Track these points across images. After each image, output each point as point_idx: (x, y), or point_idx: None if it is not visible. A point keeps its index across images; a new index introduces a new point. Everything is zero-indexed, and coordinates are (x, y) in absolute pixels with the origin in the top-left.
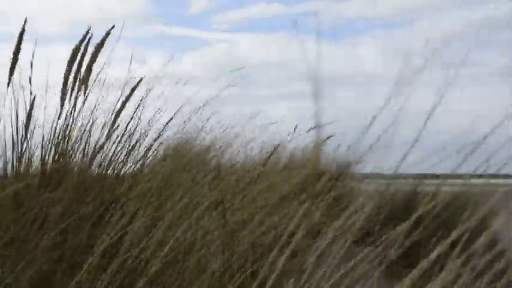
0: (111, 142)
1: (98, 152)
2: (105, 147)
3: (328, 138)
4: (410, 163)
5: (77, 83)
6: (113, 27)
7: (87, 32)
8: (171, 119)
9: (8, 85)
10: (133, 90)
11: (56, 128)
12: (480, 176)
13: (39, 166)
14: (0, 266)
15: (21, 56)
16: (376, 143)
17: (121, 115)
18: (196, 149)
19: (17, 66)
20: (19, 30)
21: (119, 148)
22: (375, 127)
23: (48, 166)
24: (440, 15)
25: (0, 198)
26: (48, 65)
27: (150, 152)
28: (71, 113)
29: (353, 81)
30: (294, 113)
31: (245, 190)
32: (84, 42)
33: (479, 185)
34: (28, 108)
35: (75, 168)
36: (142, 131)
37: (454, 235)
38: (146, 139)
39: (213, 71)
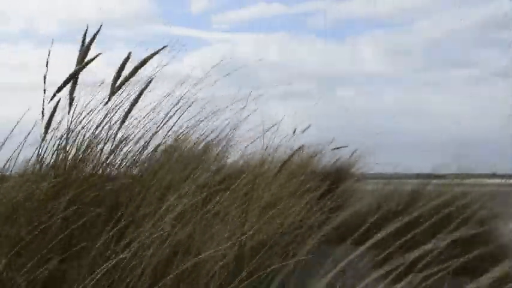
0: (120, 144)
1: (110, 154)
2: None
3: (330, 142)
4: (411, 163)
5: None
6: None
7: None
8: (170, 118)
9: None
10: (142, 91)
11: (68, 130)
12: (480, 176)
13: (54, 167)
14: (9, 264)
15: (20, 56)
16: (377, 143)
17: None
18: (196, 149)
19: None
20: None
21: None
22: (374, 127)
23: (62, 167)
24: (440, 15)
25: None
26: (47, 65)
27: (152, 152)
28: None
29: (353, 81)
30: (294, 113)
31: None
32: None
33: (480, 185)
34: (51, 110)
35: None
36: (144, 131)
37: (453, 236)
38: (147, 139)
39: (213, 71)
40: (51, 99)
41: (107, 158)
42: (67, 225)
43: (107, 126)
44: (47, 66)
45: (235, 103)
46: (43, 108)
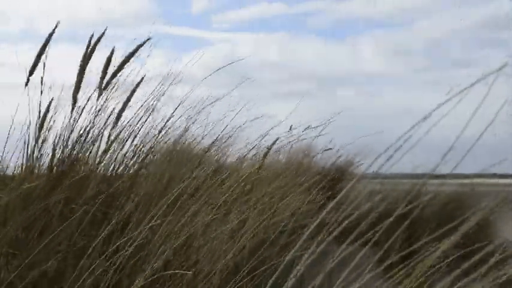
0: (115, 143)
1: (103, 154)
2: (110, 149)
3: (329, 143)
4: (411, 163)
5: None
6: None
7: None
8: (170, 118)
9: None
10: (133, 91)
11: (64, 130)
12: (481, 176)
13: (48, 168)
14: (6, 264)
15: (21, 56)
16: (376, 143)
17: (124, 116)
18: (196, 149)
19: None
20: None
21: (122, 149)
22: (376, 127)
23: (57, 168)
24: (440, 15)
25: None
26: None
27: (152, 152)
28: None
29: (353, 81)
30: (295, 112)
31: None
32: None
33: (481, 184)
34: (44, 110)
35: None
36: (144, 131)
37: (454, 237)
38: (148, 139)
39: (214, 70)
40: (26, 85)
41: (104, 158)
42: (64, 225)
43: (100, 125)
44: (44, 68)
45: (235, 103)
46: (40, 110)
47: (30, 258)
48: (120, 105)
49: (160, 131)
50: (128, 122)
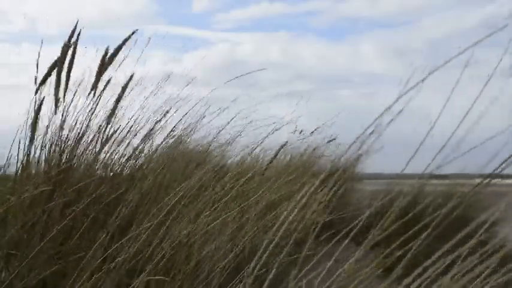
0: (110, 142)
1: (98, 153)
2: (105, 148)
3: (330, 141)
4: (411, 163)
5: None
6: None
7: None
8: (169, 119)
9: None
10: (124, 89)
11: (59, 129)
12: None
13: (44, 169)
14: (6, 265)
15: (20, 56)
16: (377, 143)
17: (124, 116)
18: (198, 149)
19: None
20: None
21: (120, 149)
22: (377, 127)
23: (53, 168)
24: (441, 15)
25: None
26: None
27: (152, 152)
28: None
29: (353, 81)
30: (295, 112)
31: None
32: (73, 40)
33: (482, 185)
34: (35, 108)
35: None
36: (145, 130)
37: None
38: (149, 139)
39: (215, 70)
40: (35, 93)
41: (103, 158)
42: (63, 227)
43: (96, 125)
44: (37, 68)
45: (235, 103)
46: (35, 110)
47: (30, 259)
48: (112, 104)
49: (160, 131)
50: (128, 122)
